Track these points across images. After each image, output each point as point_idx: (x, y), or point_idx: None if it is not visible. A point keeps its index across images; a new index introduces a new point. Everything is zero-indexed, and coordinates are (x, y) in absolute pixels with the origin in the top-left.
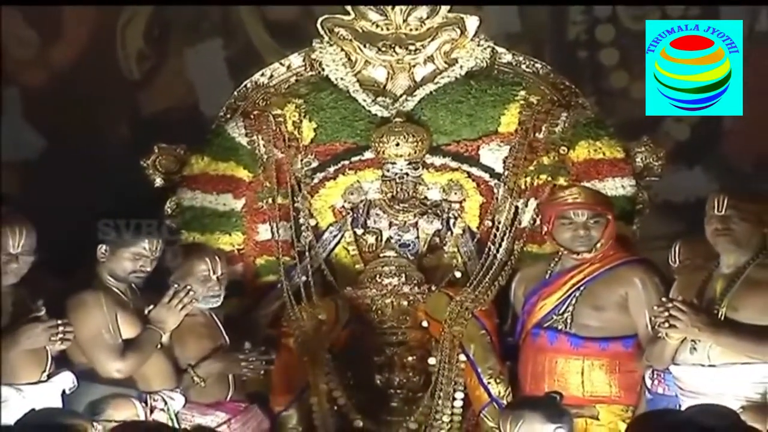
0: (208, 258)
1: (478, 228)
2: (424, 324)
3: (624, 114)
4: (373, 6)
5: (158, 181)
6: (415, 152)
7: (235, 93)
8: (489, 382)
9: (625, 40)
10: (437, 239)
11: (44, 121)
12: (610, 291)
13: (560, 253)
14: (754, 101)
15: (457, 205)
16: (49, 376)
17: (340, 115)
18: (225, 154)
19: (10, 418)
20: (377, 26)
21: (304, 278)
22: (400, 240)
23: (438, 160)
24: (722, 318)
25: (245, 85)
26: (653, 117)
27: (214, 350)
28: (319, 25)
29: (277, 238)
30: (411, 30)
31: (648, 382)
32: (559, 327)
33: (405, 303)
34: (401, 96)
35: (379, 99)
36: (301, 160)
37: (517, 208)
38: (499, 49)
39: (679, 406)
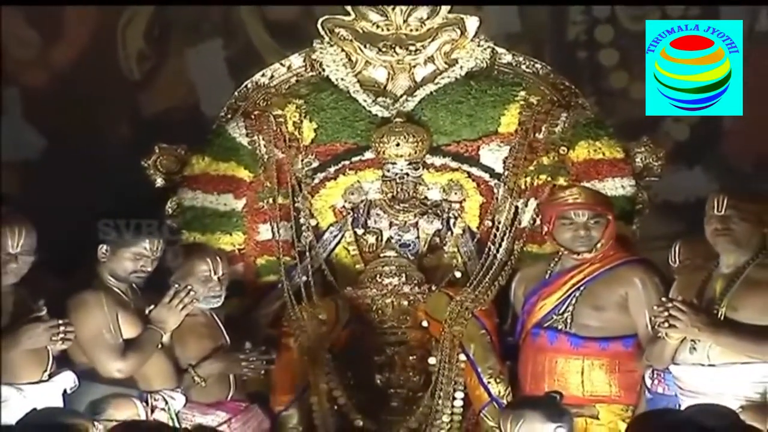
0: (210, 258)
1: (478, 228)
2: (425, 324)
3: (624, 114)
4: (374, 6)
5: (159, 181)
6: (416, 152)
7: (236, 93)
8: (489, 382)
9: (624, 41)
10: (437, 239)
11: (45, 121)
12: (610, 291)
13: (560, 253)
14: (754, 101)
15: (457, 205)
16: (50, 376)
17: (340, 115)
18: (226, 155)
19: (11, 418)
20: (377, 27)
21: (304, 278)
22: (400, 240)
23: (438, 161)
24: (722, 318)
25: (246, 86)
26: (653, 117)
27: (215, 350)
28: (319, 26)
29: (277, 238)
30: (411, 30)
31: (648, 381)
32: (559, 327)
33: (405, 303)
34: (401, 96)
35: (380, 99)
36: (302, 161)
37: (517, 208)
38: (499, 50)
39: (679, 405)
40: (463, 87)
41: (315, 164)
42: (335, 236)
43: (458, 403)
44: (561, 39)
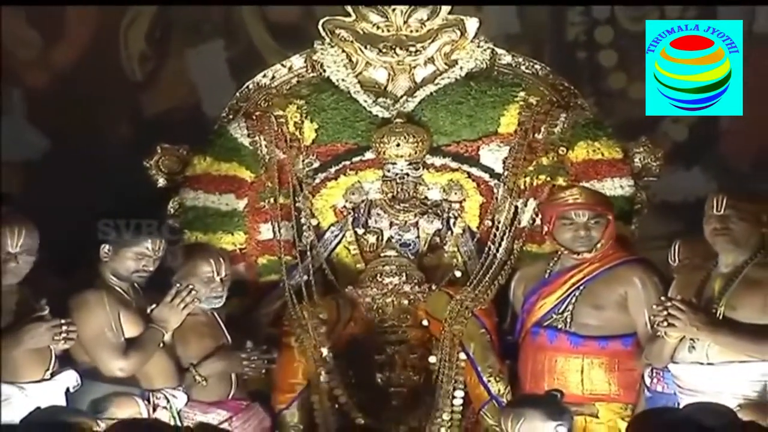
0: (213, 259)
1: (478, 228)
2: (425, 323)
3: (622, 115)
4: (374, 7)
5: (161, 182)
6: (416, 153)
7: (237, 94)
8: (489, 381)
9: (623, 42)
10: (437, 239)
11: (47, 122)
12: (609, 290)
13: (559, 253)
14: (754, 101)
15: (457, 205)
16: (53, 375)
17: (341, 115)
18: (227, 155)
19: (14, 417)
20: (378, 28)
21: (305, 277)
22: (400, 239)
23: (438, 161)
24: (721, 317)
25: (247, 86)
26: (651, 117)
27: (216, 349)
28: (320, 27)
29: (278, 237)
30: (411, 32)
31: (647, 380)
32: (559, 326)
33: (405, 302)
34: (402, 97)
35: (380, 100)
36: (303, 161)
37: (516, 207)
38: (499, 51)
39: (678, 404)
40: (463, 88)
41: (316, 164)
42: (336, 236)
43: (458, 401)
44: (560, 40)
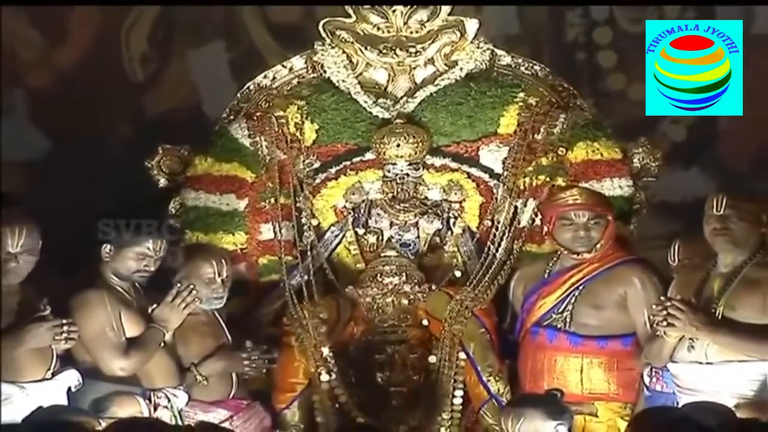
0: (214, 260)
1: (477, 228)
2: (425, 322)
3: (622, 115)
4: (375, 8)
5: (162, 182)
6: (416, 153)
7: (238, 95)
8: (488, 380)
9: (622, 43)
10: (437, 239)
11: (49, 122)
12: (609, 290)
13: (559, 253)
14: (754, 101)
15: (457, 205)
16: (54, 374)
17: (341, 116)
18: (228, 155)
19: (15, 416)
20: (378, 29)
21: (305, 277)
22: (400, 239)
23: (438, 161)
24: (720, 317)
25: (248, 87)
26: (651, 118)
27: (217, 349)
28: (320, 28)
29: (279, 237)
30: (411, 33)
31: (646, 379)
32: (559, 325)
33: (406, 302)
34: (402, 98)
35: (380, 101)
36: (303, 161)
37: (516, 208)
38: (499, 52)
39: (677, 403)
40: (463, 88)
41: (316, 165)
42: (336, 236)
43: (458, 400)
44: (560, 41)
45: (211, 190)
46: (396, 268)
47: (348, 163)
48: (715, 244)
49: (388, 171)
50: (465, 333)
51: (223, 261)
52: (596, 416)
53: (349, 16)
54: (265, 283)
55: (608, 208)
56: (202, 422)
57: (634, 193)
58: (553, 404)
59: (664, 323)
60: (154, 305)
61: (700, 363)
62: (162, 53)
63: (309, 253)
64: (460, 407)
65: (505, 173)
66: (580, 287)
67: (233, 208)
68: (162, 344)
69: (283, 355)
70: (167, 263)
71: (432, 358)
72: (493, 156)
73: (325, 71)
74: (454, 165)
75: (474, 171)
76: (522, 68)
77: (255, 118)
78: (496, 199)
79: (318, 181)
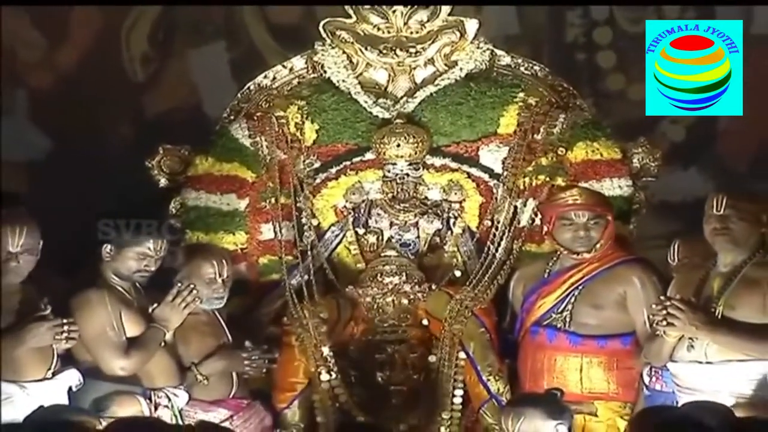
0: (215, 260)
1: (477, 227)
2: (425, 322)
3: (621, 115)
4: (375, 9)
5: (163, 182)
6: (416, 153)
7: (239, 95)
8: (488, 379)
9: (622, 43)
10: (437, 239)
11: (50, 122)
12: (608, 290)
13: (559, 253)
14: (753, 101)
15: (456, 205)
16: (55, 374)
17: (341, 116)
18: (229, 155)
19: (16, 415)
20: (378, 29)
21: (306, 277)
22: (400, 239)
23: (438, 161)
24: (719, 316)
25: (248, 87)
26: (650, 118)
27: (218, 348)
28: (321, 28)
29: (279, 237)
30: (411, 33)
31: (646, 378)
32: (558, 325)
33: (406, 301)
34: (402, 98)
35: (380, 101)
36: (304, 161)
37: (515, 207)
38: (498, 52)
39: (676, 402)
40: (463, 89)
41: (317, 165)
42: (336, 236)
43: (458, 400)
44: (559, 41)
45: (212, 190)
46: (396, 268)
47: (348, 163)
48: (715, 244)
49: (388, 171)
50: (465, 332)
51: (224, 261)
52: (596, 415)
53: (350, 17)
54: (265, 282)
55: (608, 208)
56: (202, 421)
57: (634, 192)
58: (553, 403)
59: (664, 323)
60: (155, 305)
61: (700, 362)
62: (162, 53)
63: (309, 252)
64: (460, 406)
65: (505, 173)
66: (580, 287)
67: (234, 208)
68: (162, 344)
69: (283, 354)
70: (168, 263)
71: (432, 358)
72: (492, 156)
73: (325, 71)
74: (454, 165)
75: (474, 171)
76: (522, 68)
77: (255, 118)
78: (496, 199)
79: (318, 181)
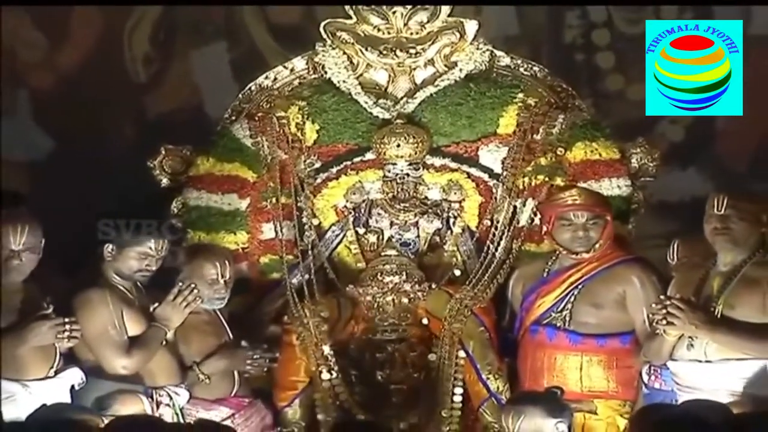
0: (218, 261)
1: (477, 227)
2: (425, 321)
3: (620, 115)
4: (375, 10)
5: (165, 182)
6: (416, 153)
7: (240, 95)
8: (488, 378)
9: (620, 44)
10: (437, 238)
11: (52, 123)
12: (608, 289)
13: (558, 252)
14: (753, 101)
15: (456, 205)
16: (57, 373)
17: (342, 117)
18: (230, 155)
19: (19, 414)
20: (379, 30)
21: (306, 276)
22: (401, 239)
23: (438, 161)
24: (719, 315)
25: (249, 88)
26: (649, 118)
27: (219, 347)
28: (321, 29)
29: (280, 237)
30: (411, 34)
31: (645, 377)
32: (558, 324)
33: (406, 301)
34: (402, 98)
35: (381, 101)
36: (304, 161)
37: (515, 207)
38: (498, 53)
39: (676, 400)
40: (463, 89)
41: (317, 165)
42: (337, 235)
43: (458, 398)
44: (558, 42)
45: (213, 189)
46: (396, 267)
47: (348, 163)
48: (715, 244)
49: (389, 171)
50: (464, 331)
51: (226, 262)
52: (596, 414)
53: (350, 18)
54: (266, 282)
55: (607, 208)
56: (203, 420)
57: (633, 192)
58: (553, 402)
59: (664, 322)
60: (156, 304)
61: (700, 361)
62: (164, 54)
63: (310, 252)
64: (460, 405)
65: (505, 173)
66: (579, 286)
67: (235, 208)
68: (164, 343)
69: (284, 353)
70: (169, 262)
71: (432, 357)
72: (492, 156)
73: (325, 72)
74: (453, 165)
75: (473, 171)
76: (521, 69)
77: (256, 118)
78: (496, 198)
79: (319, 180)
